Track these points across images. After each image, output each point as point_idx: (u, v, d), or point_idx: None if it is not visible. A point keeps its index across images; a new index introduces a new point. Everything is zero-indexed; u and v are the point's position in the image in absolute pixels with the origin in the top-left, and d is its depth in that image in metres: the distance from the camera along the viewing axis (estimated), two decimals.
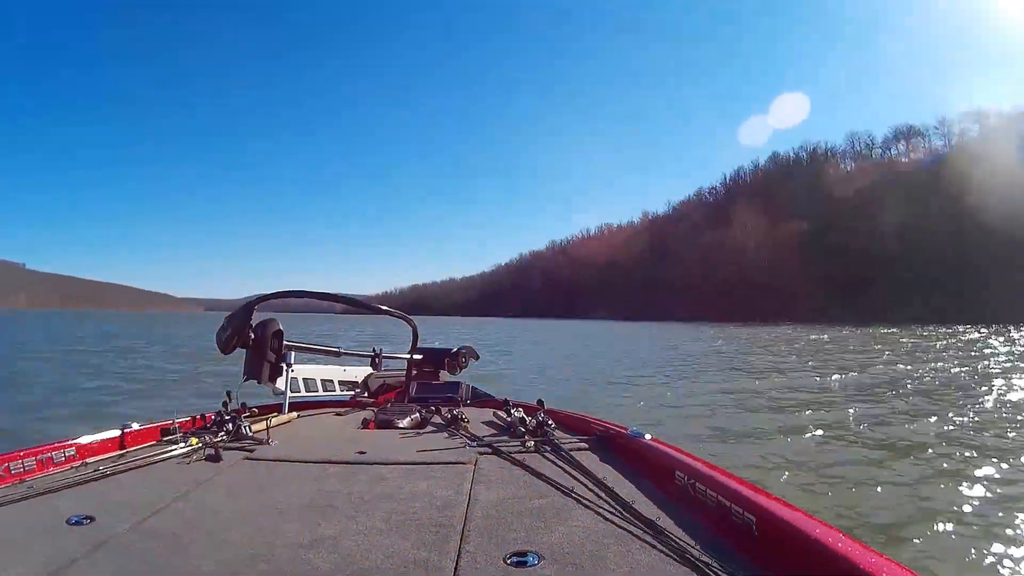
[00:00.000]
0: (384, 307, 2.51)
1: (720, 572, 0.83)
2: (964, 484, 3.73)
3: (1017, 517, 3.12)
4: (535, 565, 0.88)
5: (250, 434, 1.69)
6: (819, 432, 5.46)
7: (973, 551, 2.66)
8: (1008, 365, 13.05)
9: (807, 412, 6.76)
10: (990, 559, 2.60)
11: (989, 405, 7.33)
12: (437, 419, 1.99)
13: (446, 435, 1.78)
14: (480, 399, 2.52)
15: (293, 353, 2.16)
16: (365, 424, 1.97)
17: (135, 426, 1.68)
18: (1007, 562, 2.58)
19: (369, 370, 2.67)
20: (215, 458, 1.46)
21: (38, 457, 1.36)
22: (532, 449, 1.55)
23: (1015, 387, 9.04)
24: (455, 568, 0.87)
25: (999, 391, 8.53)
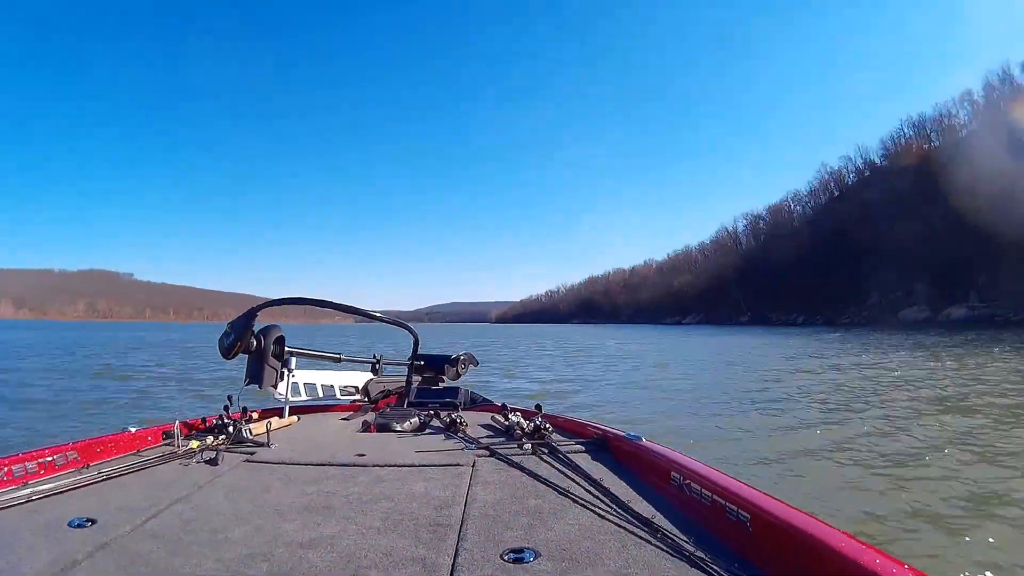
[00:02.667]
0: (382, 316, 2.53)
1: (715, 568, 0.84)
2: None
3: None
4: (532, 561, 0.89)
5: (250, 437, 1.70)
6: None
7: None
8: None
9: None
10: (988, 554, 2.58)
11: None
12: (436, 423, 2.00)
13: (445, 438, 1.79)
14: (479, 404, 2.53)
15: (294, 359, 2.19)
16: (365, 428, 1.98)
17: (137, 429, 1.70)
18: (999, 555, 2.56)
19: (370, 376, 2.69)
20: (215, 461, 1.48)
21: (40, 460, 1.37)
22: (530, 452, 1.56)
23: None
24: (452, 565, 0.88)
25: None
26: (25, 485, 1.24)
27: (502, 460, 1.49)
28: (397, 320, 2.67)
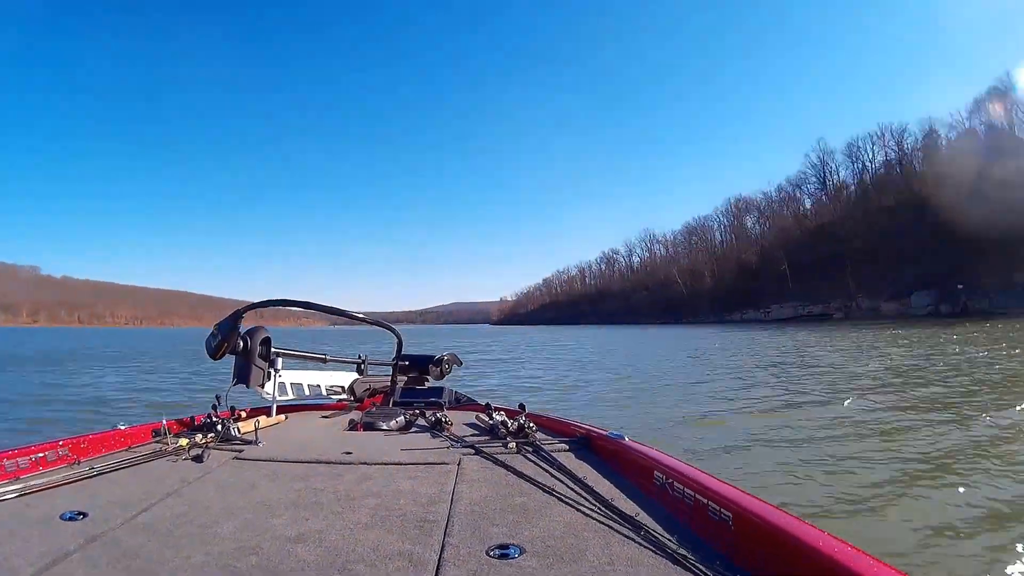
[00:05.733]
0: (364, 317, 2.55)
1: (698, 565, 0.87)
2: None
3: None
4: (517, 557, 0.92)
5: (239, 435, 1.72)
6: None
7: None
8: None
9: None
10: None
11: None
12: (421, 422, 2.03)
13: (430, 437, 1.82)
14: (463, 403, 2.57)
15: (281, 359, 2.21)
16: (351, 426, 2.01)
17: (126, 426, 1.71)
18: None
19: (355, 376, 2.71)
20: (204, 458, 1.50)
21: (32, 456, 1.39)
22: (514, 450, 1.59)
23: None
24: (439, 560, 0.91)
25: None
26: (17, 480, 1.25)
27: (487, 458, 1.52)
28: (379, 321, 2.68)
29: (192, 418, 1.87)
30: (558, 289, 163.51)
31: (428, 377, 2.81)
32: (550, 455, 1.52)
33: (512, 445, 1.62)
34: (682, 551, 0.91)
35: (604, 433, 1.63)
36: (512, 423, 1.76)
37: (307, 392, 2.50)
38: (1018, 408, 5.74)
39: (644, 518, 1.07)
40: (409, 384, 2.73)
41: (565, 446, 1.65)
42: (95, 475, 1.33)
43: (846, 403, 6.46)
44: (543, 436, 1.75)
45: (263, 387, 2.11)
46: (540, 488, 1.27)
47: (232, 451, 1.60)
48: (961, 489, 3.31)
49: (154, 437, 1.68)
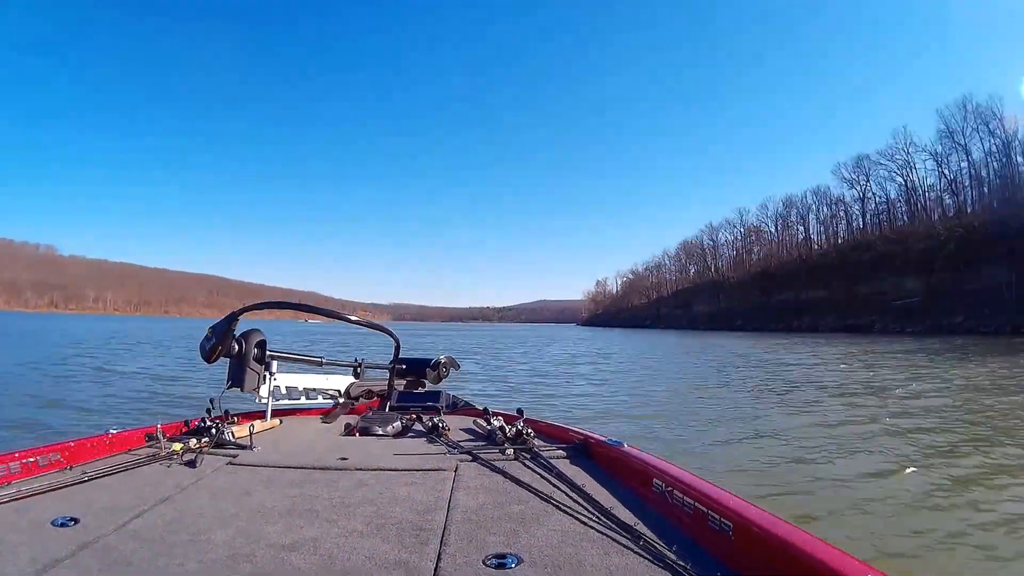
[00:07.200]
0: (359, 319, 2.53)
1: (697, 575, 0.86)
2: None
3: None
4: (514, 567, 0.91)
5: (233, 440, 1.71)
6: None
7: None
8: None
9: None
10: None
11: None
12: (418, 427, 2.02)
13: (427, 442, 1.81)
14: (460, 407, 2.55)
15: (276, 362, 2.18)
16: (347, 431, 1.99)
17: (119, 431, 1.69)
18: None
19: (351, 379, 2.69)
20: (198, 463, 1.48)
21: (24, 461, 1.37)
22: (512, 456, 1.59)
23: None
24: (435, 569, 0.90)
25: None
26: (8, 485, 1.23)
27: (484, 465, 1.51)
28: (375, 323, 2.67)
29: (186, 422, 1.85)
30: (651, 283, 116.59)
31: (425, 381, 2.79)
32: (548, 462, 1.51)
33: (510, 451, 1.61)
34: (681, 562, 0.90)
35: (603, 440, 1.62)
36: (510, 428, 1.75)
37: (302, 396, 2.48)
38: None
39: (643, 527, 1.06)
40: (406, 388, 2.71)
41: (563, 453, 1.64)
42: (87, 480, 1.32)
43: None
44: (541, 442, 1.74)
45: (258, 391, 2.09)
46: (538, 496, 1.26)
47: (226, 456, 1.58)
48: None
49: (147, 441, 1.66)
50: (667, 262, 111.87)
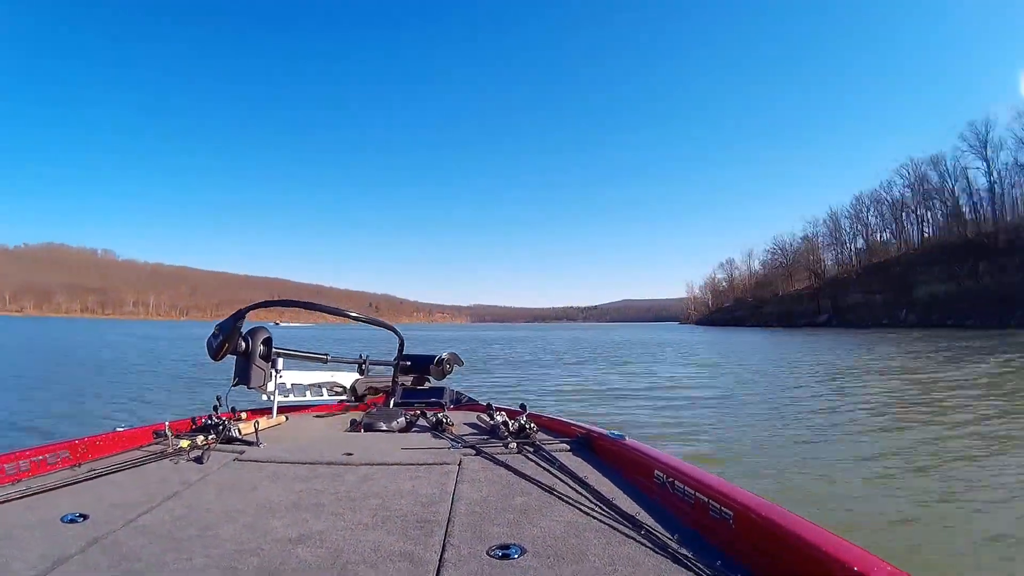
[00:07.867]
0: (363, 316, 2.54)
1: (699, 564, 0.87)
2: None
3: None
4: (518, 557, 0.92)
5: (240, 436, 1.72)
6: None
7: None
8: None
9: None
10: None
11: None
12: (422, 422, 2.03)
13: (431, 437, 1.83)
14: (464, 403, 2.57)
15: (282, 359, 2.20)
16: (352, 427, 2.01)
17: (127, 428, 1.71)
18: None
19: (356, 376, 2.71)
20: (205, 459, 1.50)
21: (33, 459, 1.39)
22: (515, 450, 1.60)
23: None
24: (440, 560, 0.91)
25: None
26: (18, 482, 1.25)
27: (488, 459, 1.52)
28: (379, 320, 2.67)
29: (193, 419, 1.87)
30: (812, 260, 78.38)
31: (429, 377, 2.81)
32: (551, 455, 1.52)
33: (513, 445, 1.62)
34: (683, 551, 0.91)
35: (604, 433, 1.63)
36: (513, 423, 1.76)
37: (308, 393, 2.50)
38: None
39: (645, 517, 1.07)
40: (410, 384, 2.74)
41: (566, 446, 1.66)
42: (96, 477, 1.33)
43: None
44: (544, 436, 1.75)
45: (264, 387, 2.11)
46: (541, 488, 1.27)
47: (233, 452, 1.60)
48: None
49: (155, 439, 1.68)
50: (843, 223, 71.69)
